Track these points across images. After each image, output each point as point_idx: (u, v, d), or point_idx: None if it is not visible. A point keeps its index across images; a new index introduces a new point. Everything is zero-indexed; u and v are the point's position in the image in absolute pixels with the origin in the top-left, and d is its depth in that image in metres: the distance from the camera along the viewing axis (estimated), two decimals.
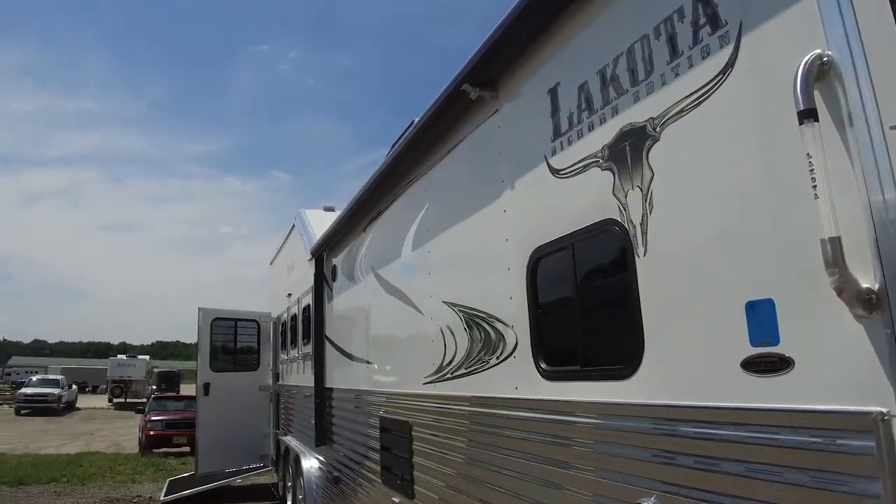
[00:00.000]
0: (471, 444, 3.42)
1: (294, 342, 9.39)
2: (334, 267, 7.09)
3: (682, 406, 1.99)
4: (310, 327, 7.87)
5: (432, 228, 4.16)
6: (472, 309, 3.51)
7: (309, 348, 7.93)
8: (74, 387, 40.29)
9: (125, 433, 22.05)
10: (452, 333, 3.73)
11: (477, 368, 3.40)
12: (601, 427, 2.36)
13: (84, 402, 41.33)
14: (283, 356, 10.51)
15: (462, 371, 3.58)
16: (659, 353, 2.12)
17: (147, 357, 50.81)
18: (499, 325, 3.18)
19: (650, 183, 2.17)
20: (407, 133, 4.45)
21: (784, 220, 1.70)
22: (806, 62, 1.60)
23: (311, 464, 7.78)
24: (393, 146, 4.93)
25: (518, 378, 2.96)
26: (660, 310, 2.12)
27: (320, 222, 8.34)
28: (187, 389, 27.69)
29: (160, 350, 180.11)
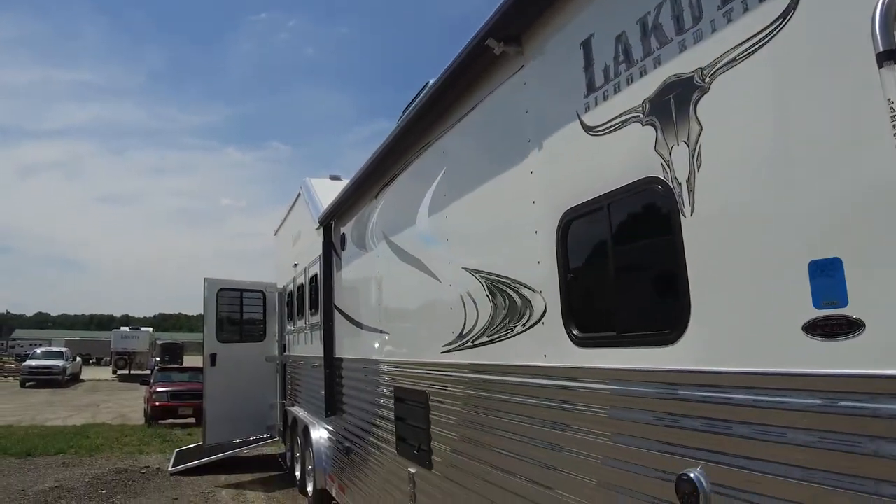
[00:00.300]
0: (493, 414, 3.33)
1: (301, 312, 9.30)
2: (343, 235, 6.96)
3: (735, 372, 1.88)
4: (317, 297, 7.77)
5: (451, 193, 4.01)
6: (495, 275, 3.39)
7: (317, 318, 7.84)
8: (79, 359, 40.48)
9: (130, 405, 22.20)
10: (473, 300, 3.62)
11: (500, 336, 3.29)
12: (643, 395, 2.25)
13: (88, 374, 41.63)
14: (289, 327, 10.44)
15: (484, 339, 3.47)
16: (708, 317, 2.00)
17: (150, 329, 50.99)
18: (525, 291, 3.06)
19: (698, 137, 2.04)
20: (423, 94, 4.27)
21: (854, 172, 1.57)
22: (884, 0, 1.47)
23: (320, 434, 7.77)
24: (406, 108, 4.75)
25: (547, 345, 2.85)
26: (709, 271, 2.00)
27: (326, 191, 8.18)
28: (190, 361, 27.86)
29: (163, 322, 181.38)
